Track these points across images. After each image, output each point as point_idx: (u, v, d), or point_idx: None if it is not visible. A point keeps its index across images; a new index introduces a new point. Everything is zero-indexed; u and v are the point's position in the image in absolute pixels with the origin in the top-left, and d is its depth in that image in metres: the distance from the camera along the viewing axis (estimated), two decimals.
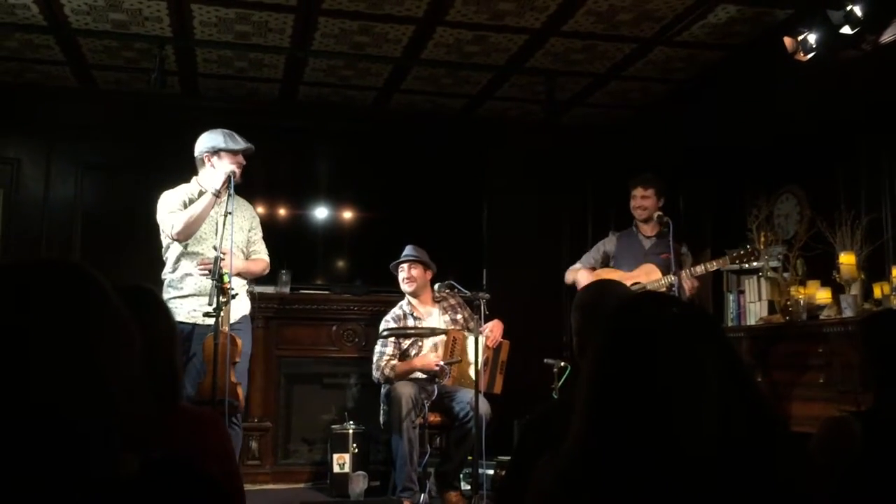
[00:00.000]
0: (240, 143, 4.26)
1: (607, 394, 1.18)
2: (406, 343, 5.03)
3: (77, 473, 0.98)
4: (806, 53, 4.41)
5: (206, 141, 4.27)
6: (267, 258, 4.52)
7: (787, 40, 4.44)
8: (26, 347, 0.98)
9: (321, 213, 6.48)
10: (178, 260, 4.24)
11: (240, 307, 4.23)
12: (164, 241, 4.31)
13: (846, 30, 4.20)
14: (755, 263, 4.79)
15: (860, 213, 4.60)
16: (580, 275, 5.11)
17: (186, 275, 4.19)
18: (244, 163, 4.28)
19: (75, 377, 1.00)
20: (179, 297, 4.16)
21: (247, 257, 4.41)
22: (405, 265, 5.15)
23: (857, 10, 4.16)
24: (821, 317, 4.54)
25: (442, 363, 4.78)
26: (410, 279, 5.11)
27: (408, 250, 5.19)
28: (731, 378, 1.16)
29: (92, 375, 1.01)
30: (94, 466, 1.00)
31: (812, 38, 4.36)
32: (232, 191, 4.04)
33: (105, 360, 1.03)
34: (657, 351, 1.17)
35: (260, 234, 4.52)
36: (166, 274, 4.29)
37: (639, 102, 6.29)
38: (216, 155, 4.23)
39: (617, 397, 1.16)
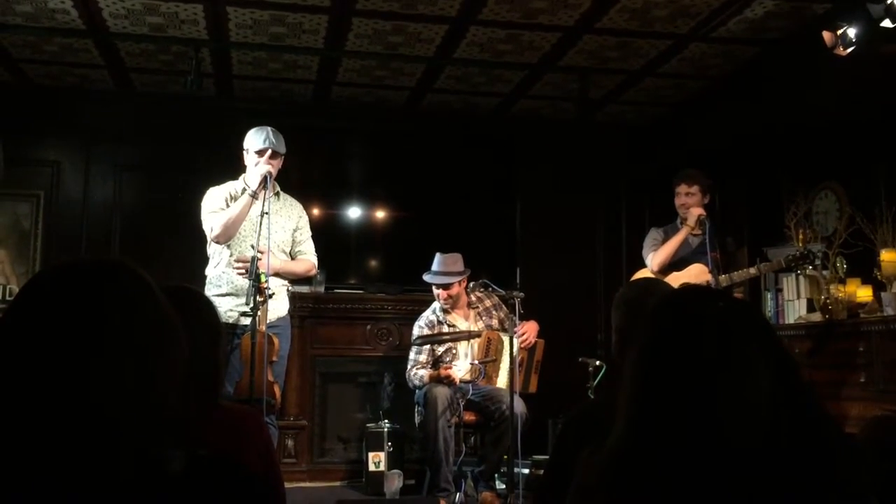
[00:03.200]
0: (258, 143, 4.11)
1: (652, 389, 1.17)
2: (440, 349, 5.01)
3: (127, 470, 1.00)
4: (845, 48, 4.33)
5: (245, 138, 4.24)
6: (314, 259, 4.41)
7: (826, 35, 4.37)
8: (81, 345, 1.00)
9: (354, 212, 6.50)
10: (218, 257, 4.27)
11: (278, 307, 4.20)
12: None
13: (887, 23, 4.12)
14: (809, 269, 4.69)
15: None
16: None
17: (224, 273, 4.21)
18: (273, 161, 4.12)
19: (128, 375, 1.02)
20: (218, 294, 4.18)
21: (293, 258, 4.38)
22: (440, 289, 5.05)
23: None
24: (861, 315, 4.46)
25: (476, 362, 4.78)
26: (447, 299, 5.04)
27: (438, 265, 5.07)
28: (781, 372, 1.14)
29: (143, 373, 1.03)
30: (144, 463, 1.02)
31: (851, 32, 4.28)
32: (269, 190, 4.02)
33: (155, 358, 1.05)
34: (703, 346, 1.16)
35: (307, 235, 4.42)
36: (209, 270, 4.30)
37: (673, 99, 6.24)
38: (246, 152, 4.21)
39: (662, 393, 1.15)
